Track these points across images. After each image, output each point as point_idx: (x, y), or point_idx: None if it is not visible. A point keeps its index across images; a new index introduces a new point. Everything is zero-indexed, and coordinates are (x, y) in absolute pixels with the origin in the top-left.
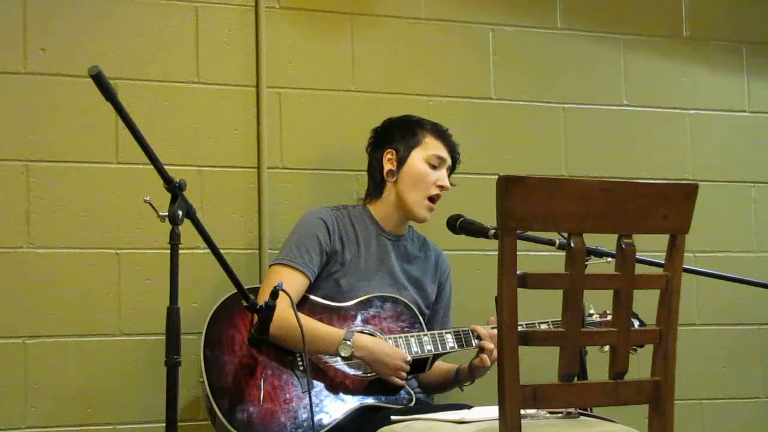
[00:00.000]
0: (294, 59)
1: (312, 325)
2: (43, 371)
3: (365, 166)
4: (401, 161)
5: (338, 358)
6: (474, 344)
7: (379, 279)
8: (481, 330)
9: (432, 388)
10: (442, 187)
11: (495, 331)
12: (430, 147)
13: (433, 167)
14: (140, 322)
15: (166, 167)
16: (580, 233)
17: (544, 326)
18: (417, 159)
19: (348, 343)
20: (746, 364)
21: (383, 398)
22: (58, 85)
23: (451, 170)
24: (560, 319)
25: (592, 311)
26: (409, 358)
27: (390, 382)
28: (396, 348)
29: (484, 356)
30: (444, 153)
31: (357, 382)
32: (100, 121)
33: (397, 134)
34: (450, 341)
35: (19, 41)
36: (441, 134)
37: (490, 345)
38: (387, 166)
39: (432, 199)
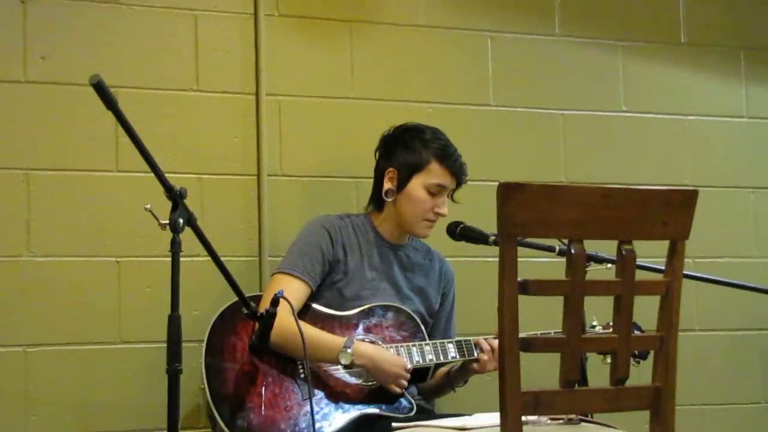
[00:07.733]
0: (293, 67)
1: (312, 333)
2: (44, 380)
3: (365, 173)
4: (401, 183)
5: (339, 367)
6: (476, 354)
7: (383, 288)
8: (483, 343)
9: (430, 392)
10: (438, 214)
11: (496, 342)
12: (433, 175)
13: (432, 194)
14: (141, 330)
15: (166, 175)
16: (580, 239)
17: None
18: (417, 185)
19: (348, 350)
20: (746, 370)
21: (384, 407)
22: (58, 94)
23: (456, 189)
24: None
25: (595, 323)
26: (409, 366)
27: (390, 390)
28: (396, 356)
29: (476, 366)
30: (446, 181)
31: (358, 390)
32: (100, 129)
33: (400, 152)
34: (452, 351)
35: (20, 50)
36: (446, 159)
37: (484, 357)
38: (386, 185)
39: (428, 220)
